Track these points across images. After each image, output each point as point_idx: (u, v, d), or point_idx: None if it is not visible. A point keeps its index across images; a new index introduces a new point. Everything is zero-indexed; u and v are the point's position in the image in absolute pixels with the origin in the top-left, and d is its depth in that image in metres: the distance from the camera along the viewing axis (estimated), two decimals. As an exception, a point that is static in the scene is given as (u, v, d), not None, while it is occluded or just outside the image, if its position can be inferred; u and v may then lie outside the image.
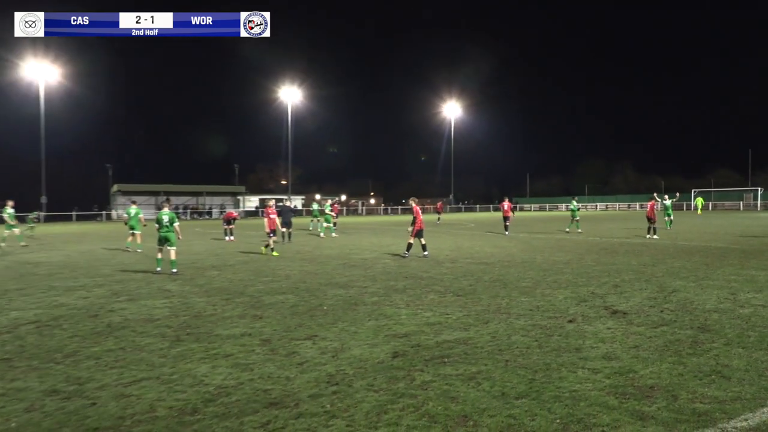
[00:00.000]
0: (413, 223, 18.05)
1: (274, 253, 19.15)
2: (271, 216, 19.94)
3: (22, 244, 25.38)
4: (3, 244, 24.55)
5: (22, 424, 4.74)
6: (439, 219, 49.62)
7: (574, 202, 31.38)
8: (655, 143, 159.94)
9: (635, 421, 4.58)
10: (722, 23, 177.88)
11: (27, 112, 71.36)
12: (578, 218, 30.89)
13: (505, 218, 30.04)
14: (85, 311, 9.68)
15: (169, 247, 14.80)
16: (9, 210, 25.28)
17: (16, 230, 25.20)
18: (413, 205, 18.32)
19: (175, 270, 14.68)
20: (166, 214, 14.94)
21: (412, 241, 18.09)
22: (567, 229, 30.93)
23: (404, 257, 17.58)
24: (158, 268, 14.92)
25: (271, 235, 19.65)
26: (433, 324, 8.22)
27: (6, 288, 12.49)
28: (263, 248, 20.06)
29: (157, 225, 14.94)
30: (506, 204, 30.66)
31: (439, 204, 53.59)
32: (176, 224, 14.95)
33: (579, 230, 30.14)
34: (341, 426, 4.59)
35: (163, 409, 5.01)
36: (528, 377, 5.70)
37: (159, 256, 15.04)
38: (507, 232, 29.38)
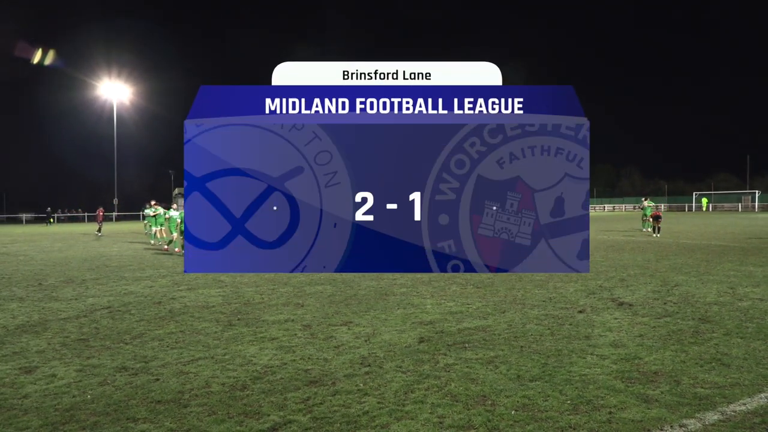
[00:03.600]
0: None
1: None
2: None
3: (151, 242, 22.91)
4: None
5: (97, 396, 4.86)
6: None
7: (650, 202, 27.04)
8: (659, 149, 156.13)
9: (640, 404, 4.47)
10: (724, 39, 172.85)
11: (102, 127, 73.29)
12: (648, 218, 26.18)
13: None
14: (151, 299, 9.90)
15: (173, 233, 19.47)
16: (148, 209, 22.75)
17: (154, 229, 22.71)
18: None
19: (166, 247, 19.27)
20: (175, 211, 19.83)
21: None
22: (643, 229, 27.35)
23: None
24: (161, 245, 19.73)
25: None
26: (455, 313, 8.17)
27: (84, 278, 12.85)
28: None
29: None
30: None
31: None
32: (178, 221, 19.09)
33: (643, 229, 26.98)
34: (373, 403, 4.59)
35: (217, 385, 5.09)
36: (541, 362, 5.62)
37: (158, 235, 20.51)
38: None
